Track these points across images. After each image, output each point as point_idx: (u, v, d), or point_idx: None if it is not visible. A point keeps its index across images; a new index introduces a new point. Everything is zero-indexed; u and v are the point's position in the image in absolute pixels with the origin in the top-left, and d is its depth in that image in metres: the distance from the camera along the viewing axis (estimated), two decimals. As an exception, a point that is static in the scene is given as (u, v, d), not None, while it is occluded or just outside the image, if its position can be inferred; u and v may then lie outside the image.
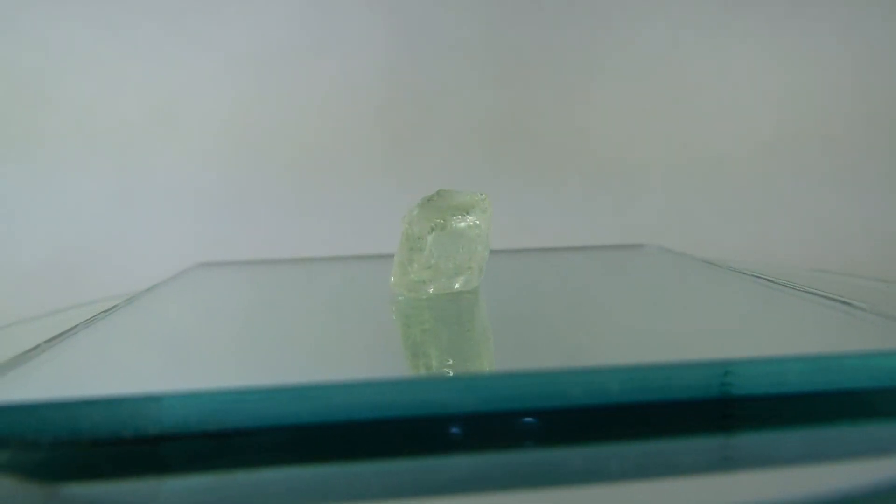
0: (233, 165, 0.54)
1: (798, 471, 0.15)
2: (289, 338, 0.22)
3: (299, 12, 0.54)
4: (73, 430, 0.14)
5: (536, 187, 0.57)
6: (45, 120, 0.52)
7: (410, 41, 0.56)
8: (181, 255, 0.51)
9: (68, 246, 0.52)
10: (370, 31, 0.55)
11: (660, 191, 0.59)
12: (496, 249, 0.31)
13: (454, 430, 0.15)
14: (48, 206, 0.52)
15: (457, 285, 0.27)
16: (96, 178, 0.53)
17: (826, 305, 0.24)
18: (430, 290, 0.26)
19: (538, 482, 0.14)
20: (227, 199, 0.54)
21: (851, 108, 0.60)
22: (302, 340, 0.22)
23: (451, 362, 0.19)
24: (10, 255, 0.52)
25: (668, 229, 0.59)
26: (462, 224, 0.26)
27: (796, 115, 0.60)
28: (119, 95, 0.53)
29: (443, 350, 0.20)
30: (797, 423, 0.17)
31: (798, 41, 0.60)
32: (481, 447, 0.15)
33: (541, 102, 0.58)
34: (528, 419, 0.16)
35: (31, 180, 0.52)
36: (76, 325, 0.22)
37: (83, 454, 0.15)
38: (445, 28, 0.56)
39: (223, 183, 0.54)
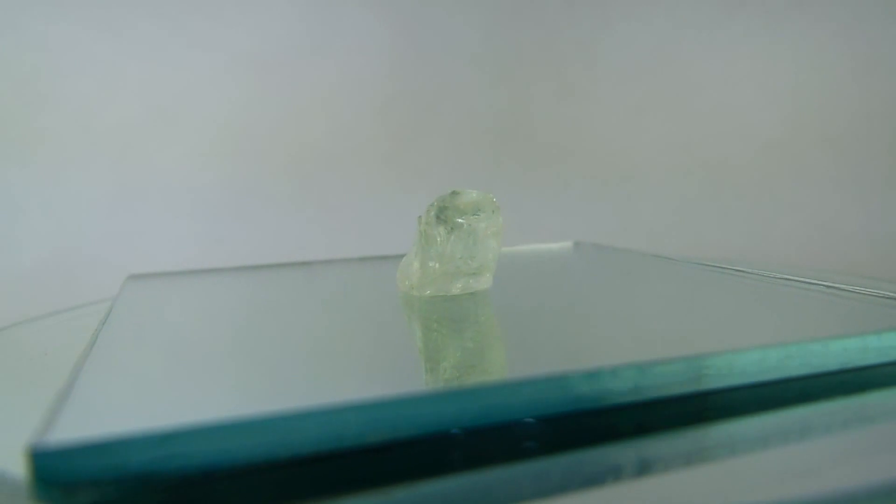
0: (233, 166, 0.54)
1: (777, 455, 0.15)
2: (317, 345, 0.22)
3: (300, 12, 0.54)
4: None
5: (536, 188, 0.57)
6: (45, 120, 0.52)
7: (411, 41, 0.56)
8: (181, 255, 0.51)
9: (68, 246, 0.52)
10: (371, 31, 0.55)
11: (660, 191, 0.59)
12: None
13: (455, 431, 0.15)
14: (48, 207, 0.52)
15: (477, 285, 0.27)
16: (96, 178, 0.53)
17: (784, 286, 0.25)
18: (452, 290, 0.26)
19: (542, 491, 0.14)
20: (226, 199, 0.54)
21: (851, 108, 0.60)
22: (337, 349, 0.22)
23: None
24: (10, 256, 0.52)
25: (669, 229, 0.59)
26: (483, 224, 0.26)
27: (796, 115, 0.60)
28: (119, 95, 0.53)
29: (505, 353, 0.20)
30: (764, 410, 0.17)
31: (798, 41, 0.60)
32: (484, 459, 0.15)
33: (541, 102, 0.58)
34: (529, 419, 0.16)
35: (31, 180, 0.52)
36: (85, 355, 0.20)
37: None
38: (446, 28, 0.56)
39: (223, 183, 0.54)
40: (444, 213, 0.26)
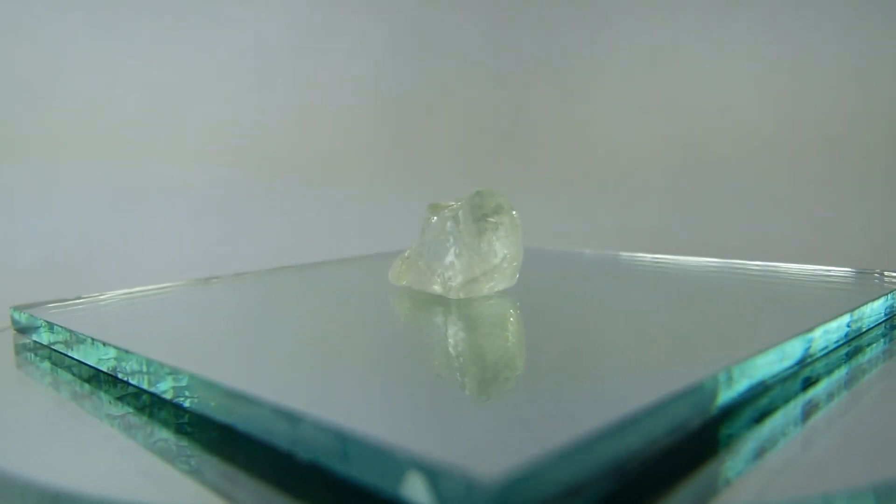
0: (233, 165, 0.54)
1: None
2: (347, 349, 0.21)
3: (300, 13, 0.54)
4: None
5: (536, 188, 0.57)
6: (45, 120, 0.52)
7: (412, 41, 0.56)
8: (180, 254, 0.51)
9: (68, 246, 0.52)
10: (372, 31, 0.55)
11: (660, 191, 0.59)
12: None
13: None
14: (48, 207, 0.52)
15: (507, 283, 0.26)
16: (96, 178, 0.53)
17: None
18: (493, 289, 0.26)
19: None
20: (226, 199, 0.54)
21: (851, 108, 0.60)
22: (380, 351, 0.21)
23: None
24: (10, 256, 0.52)
25: (669, 230, 0.58)
26: (513, 223, 0.26)
27: (796, 115, 0.60)
28: (119, 95, 0.53)
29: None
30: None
31: (798, 41, 0.59)
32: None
33: (541, 102, 0.58)
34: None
35: (32, 180, 0.52)
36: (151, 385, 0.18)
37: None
38: (446, 28, 0.56)
39: (223, 183, 0.54)
40: (476, 212, 0.25)
